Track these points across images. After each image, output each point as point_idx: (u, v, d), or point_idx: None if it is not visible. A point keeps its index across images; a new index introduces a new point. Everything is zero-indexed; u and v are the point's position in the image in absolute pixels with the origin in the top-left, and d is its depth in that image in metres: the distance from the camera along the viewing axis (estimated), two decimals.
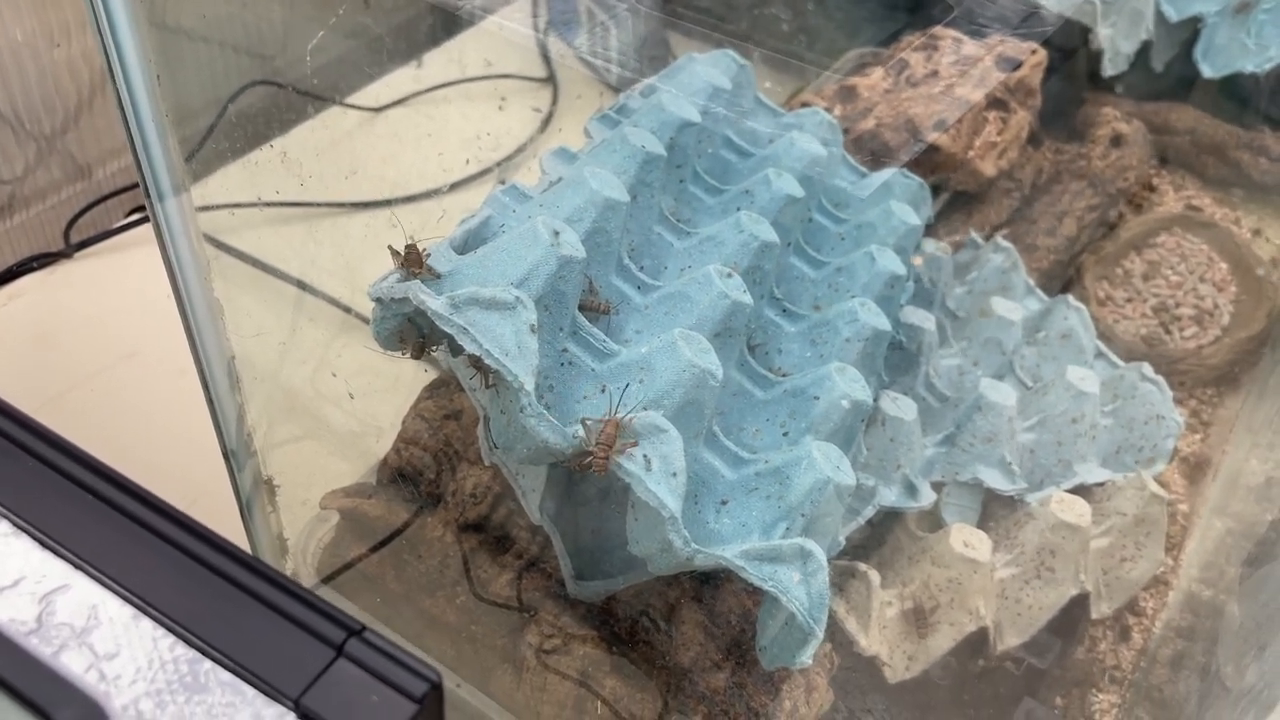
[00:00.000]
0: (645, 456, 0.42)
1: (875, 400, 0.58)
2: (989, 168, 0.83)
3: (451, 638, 0.59)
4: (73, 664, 0.29)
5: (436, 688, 0.28)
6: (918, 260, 0.58)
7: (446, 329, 0.43)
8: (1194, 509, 0.72)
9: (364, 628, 0.30)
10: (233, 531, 0.61)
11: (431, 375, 0.64)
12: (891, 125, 0.78)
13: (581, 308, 0.49)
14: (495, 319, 0.43)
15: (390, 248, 0.47)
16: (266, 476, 0.61)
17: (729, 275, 0.50)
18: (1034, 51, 0.86)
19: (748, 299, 0.50)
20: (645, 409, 0.44)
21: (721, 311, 0.49)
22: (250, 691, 0.28)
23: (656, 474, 0.42)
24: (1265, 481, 0.69)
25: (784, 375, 0.54)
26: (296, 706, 0.28)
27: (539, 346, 0.44)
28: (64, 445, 0.34)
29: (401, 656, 0.29)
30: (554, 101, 0.99)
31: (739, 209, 0.57)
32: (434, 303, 0.43)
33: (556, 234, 0.45)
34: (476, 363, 0.43)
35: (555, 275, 0.45)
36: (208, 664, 0.29)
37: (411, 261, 0.46)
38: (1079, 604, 0.61)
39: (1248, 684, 0.47)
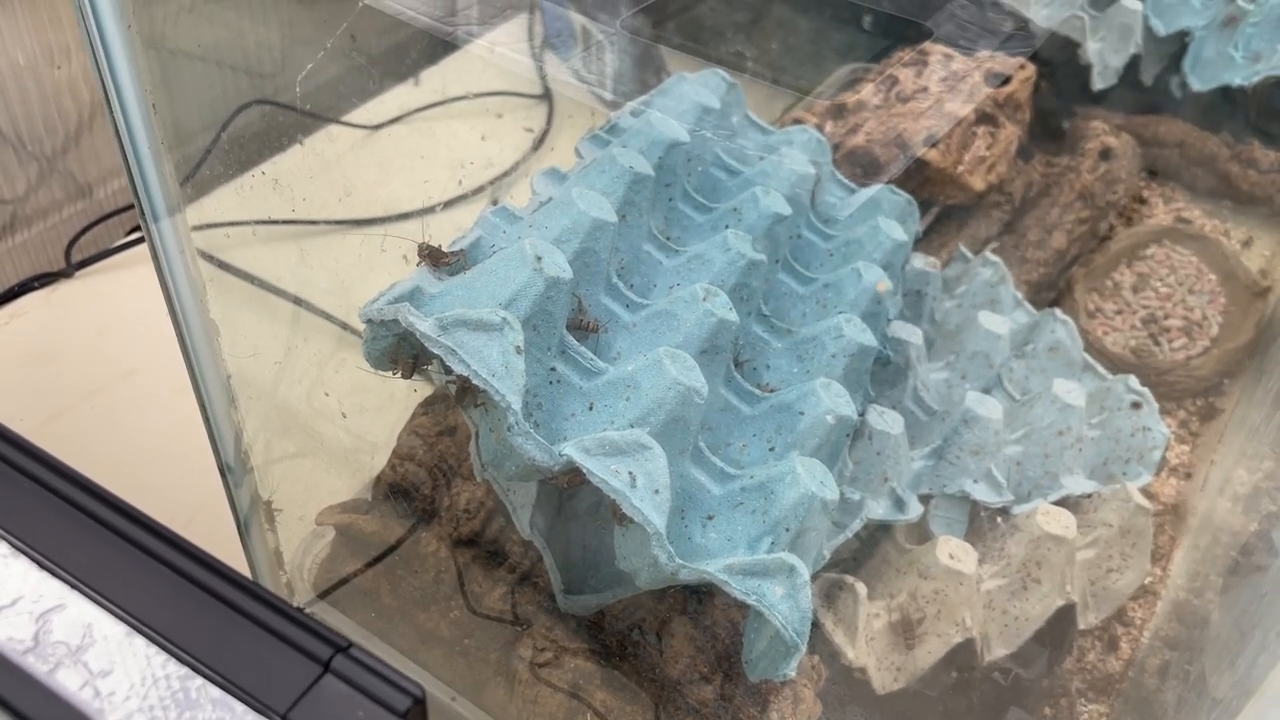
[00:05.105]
0: (630, 473, 0.43)
1: (862, 414, 0.59)
2: (978, 182, 0.84)
3: (445, 651, 0.59)
4: (68, 681, 0.30)
5: (420, 702, 0.29)
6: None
7: (435, 350, 0.44)
8: (1182, 519, 0.73)
9: (350, 644, 0.30)
10: (230, 548, 0.62)
11: (426, 391, 0.65)
12: (881, 141, 0.78)
13: (570, 326, 0.50)
14: (482, 340, 0.44)
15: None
16: (264, 494, 0.62)
17: (715, 293, 0.51)
18: (1023, 66, 0.87)
19: (733, 317, 0.51)
20: (631, 426, 0.45)
21: (707, 329, 0.50)
22: (240, 707, 0.29)
23: (641, 490, 0.43)
24: (1252, 491, 0.70)
25: (772, 391, 0.54)
26: None
27: (527, 366, 0.45)
28: (60, 468, 0.34)
29: (386, 672, 0.30)
30: (549, 120, 1.00)
31: (727, 227, 0.58)
32: (422, 324, 0.44)
33: (539, 258, 0.46)
34: (465, 382, 0.44)
35: (543, 296, 0.46)
36: (199, 680, 0.30)
37: (432, 258, 0.49)
38: (1066, 615, 0.62)
39: (1222, 693, 0.48)
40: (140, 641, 0.31)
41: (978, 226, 0.87)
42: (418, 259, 0.51)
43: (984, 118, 0.86)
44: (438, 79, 0.95)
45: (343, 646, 0.30)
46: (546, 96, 1.02)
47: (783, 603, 0.43)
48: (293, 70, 0.62)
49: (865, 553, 0.63)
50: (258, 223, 0.64)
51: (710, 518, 0.48)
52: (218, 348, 0.56)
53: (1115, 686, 0.64)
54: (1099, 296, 0.88)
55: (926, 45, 0.82)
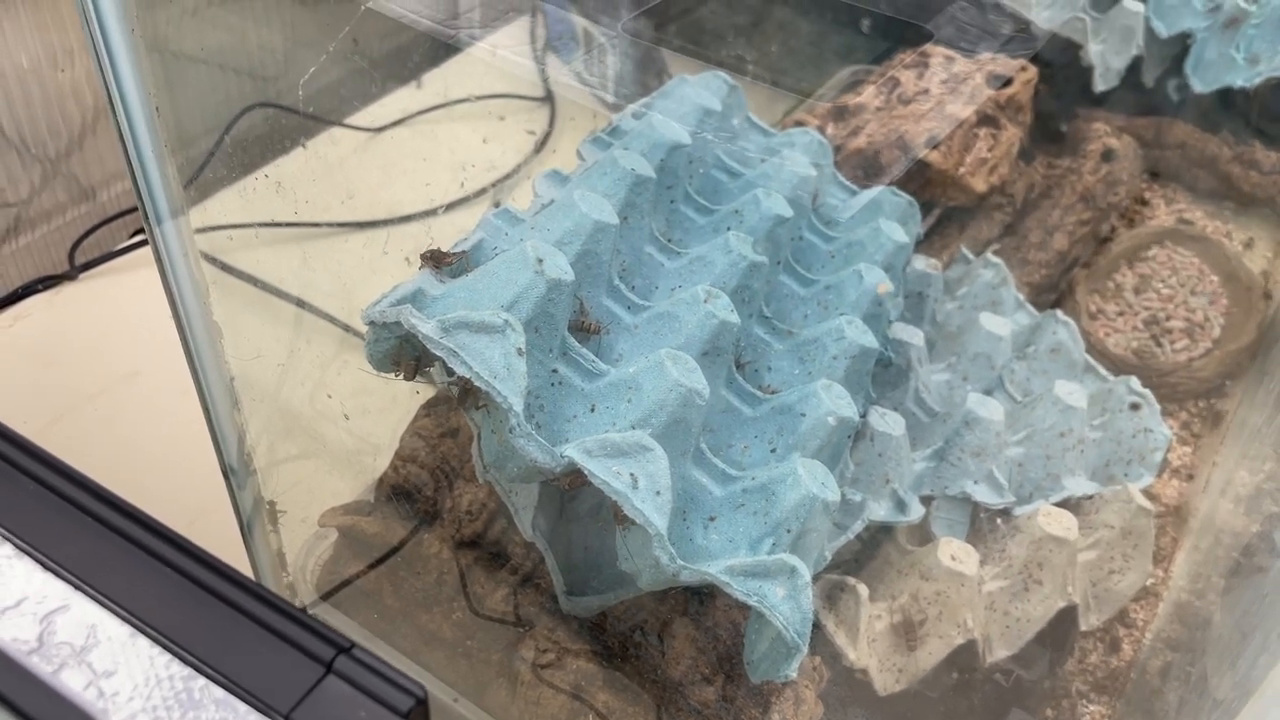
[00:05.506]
0: (632, 475, 0.43)
1: (863, 416, 0.59)
2: (980, 184, 0.84)
3: (448, 652, 0.60)
4: (72, 682, 0.30)
5: (422, 703, 0.29)
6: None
7: (437, 352, 0.44)
8: (1184, 520, 0.73)
9: (353, 645, 0.31)
10: (233, 549, 0.62)
11: (428, 393, 0.65)
12: (884, 143, 0.79)
13: (572, 328, 0.50)
14: (484, 342, 0.44)
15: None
16: (266, 495, 0.62)
17: (717, 295, 0.51)
18: (1024, 68, 0.87)
19: (734, 318, 0.51)
20: (633, 427, 0.45)
21: (709, 331, 0.50)
22: (242, 707, 0.29)
23: (642, 492, 0.43)
24: (1254, 492, 0.70)
25: (773, 393, 0.54)
26: None
27: (528, 368, 0.45)
28: (64, 469, 0.35)
29: (388, 672, 0.30)
30: (550, 123, 1.00)
31: (729, 229, 0.58)
32: (425, 326, 0.44)
33: (541, 260, 0.47)
34: (467, 384, 0.44)
35: (544, 298, 0.46)
36: (202, 681, 0.30)
37: (434, 260, 0.48)
38: (1068, 616, 0.62)
39: (1223, 694, 0.48)
40: (144, 642, 0.31)
41: (979, 228, 0.87)
42: (420, 261, 0.51)
43: (985, 119, 0.86)
44: (440, 81, 0.95)
45: (345, 647, 0.31)
46: (548, 99, 1.02)
47: (784, 604, 0.43)
48: (295, 73, 0.62)
49: (867, 554, 0.63)
50: (261, 225, 0.64)
51: (712, 519, 0.48)
52: (221, 350, 0.57)
53: (1117, 688, 0.64)
54: (1101, 298, 0.88)
55: (927, 47, 0.82)
